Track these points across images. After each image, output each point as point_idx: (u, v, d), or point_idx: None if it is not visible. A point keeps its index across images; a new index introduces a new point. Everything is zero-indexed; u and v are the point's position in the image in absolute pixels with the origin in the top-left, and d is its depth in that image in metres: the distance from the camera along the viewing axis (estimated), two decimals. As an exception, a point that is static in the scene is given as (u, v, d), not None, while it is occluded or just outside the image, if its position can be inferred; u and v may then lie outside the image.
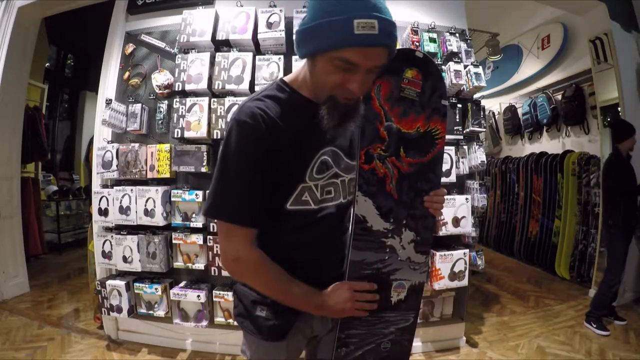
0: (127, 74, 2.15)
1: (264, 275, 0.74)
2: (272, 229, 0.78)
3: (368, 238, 0.82)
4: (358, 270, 0.83)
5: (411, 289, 0.88)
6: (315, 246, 0.82)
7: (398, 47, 0.74)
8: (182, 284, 2.02)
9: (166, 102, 2.06)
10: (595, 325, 2.38)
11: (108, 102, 2.01)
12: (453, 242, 2.07)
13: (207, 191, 0.74)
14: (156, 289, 1.98)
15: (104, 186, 2.11)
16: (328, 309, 0.77)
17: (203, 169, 1.93)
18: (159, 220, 1.95)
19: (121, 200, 1.98)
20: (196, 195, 1.93)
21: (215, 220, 1.02)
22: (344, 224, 0.87)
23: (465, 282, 2.00)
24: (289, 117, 0.72)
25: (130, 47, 2.17)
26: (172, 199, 1.97)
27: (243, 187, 0.69)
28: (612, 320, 2.48)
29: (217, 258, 1.93)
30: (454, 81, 2.00)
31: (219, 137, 1.91)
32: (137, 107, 2.04)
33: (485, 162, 2.10)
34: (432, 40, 2.08)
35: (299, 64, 1.69)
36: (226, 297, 1.92)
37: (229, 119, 0.93)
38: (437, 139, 0.86)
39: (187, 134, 1.91)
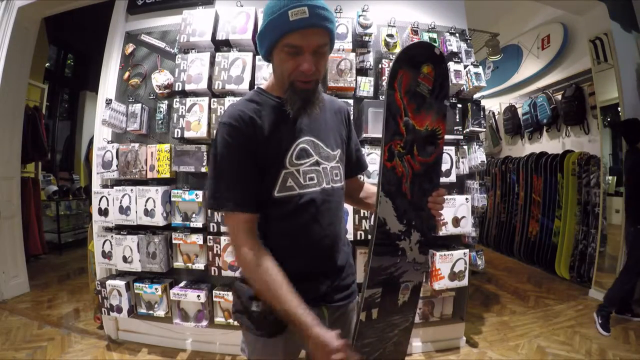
0: (127, 74, 2.15)
1: (259, 271, 0.75)
2: (263, 219, 0.82)
3: (386, 242, 0.82)
4: (375, 278, 0.81)
5: (413, 290, 0.88)
6: (303, 233, 0.83)
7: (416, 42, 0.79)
8: (182, 284, 2.02)
9: (166, 102, 2.05)
10: (601, 321, 2.36)
11: (108, 102, 2.01)
12: (453, 242, 2.07)
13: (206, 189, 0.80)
14: (156, 289, 1.98)
15: (104, 186, 2.11)
16: (309, 344, 0.71)
17: (203, 169, 1.93)
18: (159, 220, 1.95)
19: (121, 200, 1.98)
20: (196, 195, 1.93)
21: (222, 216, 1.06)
22: (332, 210, 0.86)
23: (465, 282, 2.00)
24: (265, 114, 0.82)
25: (130, 47, 2.17)
26: (172, 199, 1.96)
27: (235, 177, 0.78)
28: (630, 317, 2.51)
29: (217, 258, 1.93)
30: (454, 81, 2.00)
31: (219, 137, 1.91)
32: (137, 107, 2.04)
33: (485, 162, 2.10)
34: (432, 40, 2.08)
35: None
36: (226, 297, 1.92)
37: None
38: (439, 139, 0.86)
39: (187, 134, 1.91)
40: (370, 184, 1.06)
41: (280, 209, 0.81)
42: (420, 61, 0.80)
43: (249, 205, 0.78)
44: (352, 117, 1.01)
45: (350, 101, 1.92)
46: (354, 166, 1.01)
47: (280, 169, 0.80)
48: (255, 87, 0.90)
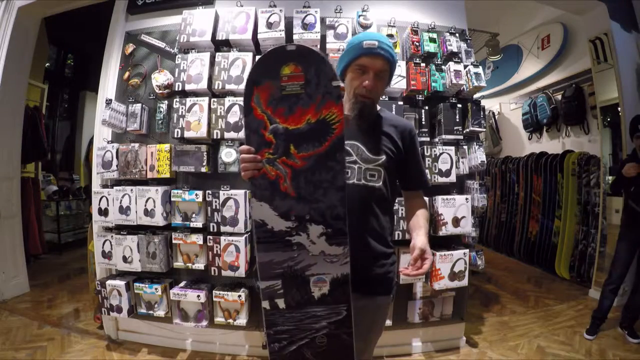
0: (127, 74, 2.15)
1: None
2: None
3: (271, 239, 0.87)
4: (268, 270, 0.87)
5: (335, 282, 0.89)
6: None
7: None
8: (182, 284, 2.02)
9: (166, 102, 2.05)
10: (627, 332, 2.28)
11: (108, 102, 2.01)
12: (453, 242, 2.07)
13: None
14: (156, 289, 1.98)
15: (104, 186, 2.10)
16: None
17: (203, 169, 1.93)
18: (159, 220, 1.95)
19: (121, 200, 1.98)
20: (196, 195, 1.92)
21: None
22: (357, 200, 0.97)
23: (465, 282, 2.00)
24: None
25: (130, 47, 2.17)
26: (172, 199, 1.96)
27: None
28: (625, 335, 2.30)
29: (217, 258, 1.92)
30: (454, 81, 2.00)
31: (218, 137, 1.91)
32: (137, 107, 2.04)
33: (485, 162, 2.10)
34: (432, 40, 2.08)
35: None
36: (226, 297, 1.92)
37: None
38: (333, 124, 0.85)
39: (187, 134, 1.91)
40: (419, 203, 1.11)
41: None
42: (276, 67, 0.82)
43: None
44: (415, 137, 1.11)
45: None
46: (409, 181, 1.13)
47: None
48: None
